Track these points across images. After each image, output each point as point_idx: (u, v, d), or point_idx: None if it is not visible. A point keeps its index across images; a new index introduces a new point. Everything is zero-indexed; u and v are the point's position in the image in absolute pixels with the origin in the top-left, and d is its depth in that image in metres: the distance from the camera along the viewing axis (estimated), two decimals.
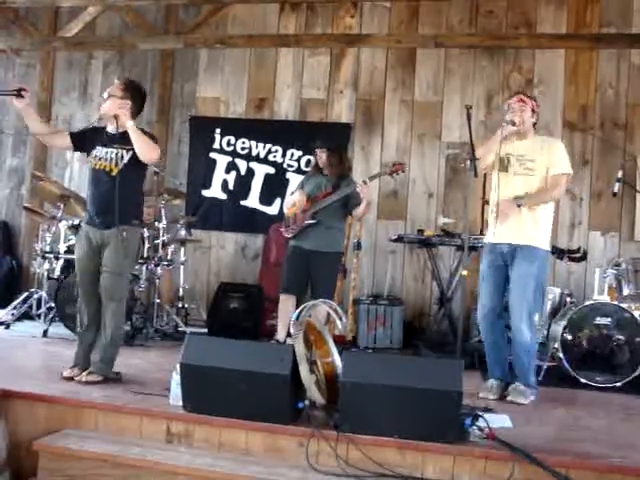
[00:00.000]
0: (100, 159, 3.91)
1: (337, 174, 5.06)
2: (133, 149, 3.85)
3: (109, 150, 3.89)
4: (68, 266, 5.56)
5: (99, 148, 3.93)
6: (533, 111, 4.09)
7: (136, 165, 3.90)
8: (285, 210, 5.19)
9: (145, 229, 5.68)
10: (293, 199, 5.09)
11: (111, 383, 3.82)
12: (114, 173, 3.86)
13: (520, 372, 4.03)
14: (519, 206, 3.92)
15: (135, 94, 3.98)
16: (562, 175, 4.04)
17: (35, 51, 7.65)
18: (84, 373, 3.83)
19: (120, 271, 3.90)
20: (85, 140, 3.99)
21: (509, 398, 3.94)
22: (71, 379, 3.82)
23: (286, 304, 4.91)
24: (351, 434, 3.03)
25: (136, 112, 3.99)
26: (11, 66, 7.77)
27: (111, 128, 3.95)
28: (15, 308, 6.06)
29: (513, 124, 3.95)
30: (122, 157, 3.88)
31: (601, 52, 6.42)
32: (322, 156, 5.07)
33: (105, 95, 3.95)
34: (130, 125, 3.81)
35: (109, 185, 3.84)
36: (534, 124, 4.12)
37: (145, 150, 3.84)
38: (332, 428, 3.08)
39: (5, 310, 6.12)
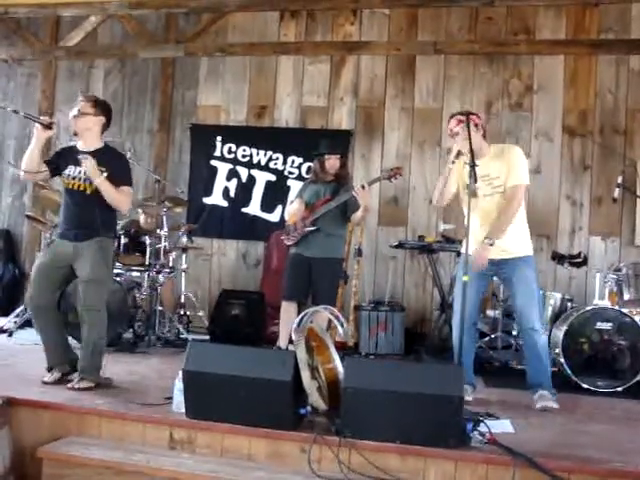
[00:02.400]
0: (74, 178, 3.96)
1: (341, 180, 5.07)
2: (107, 170, 3.89)
3: (82, 169, 3.92)
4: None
5: (71, 167, 3.98)
6: (476, 125, 3.97)
7: (110, 183, 3.93)
8: (286, 219, 5.21)
9: (146, 236, 5.72)
10: (293, 208, 5.10)
11: (113, 390, 3.84)
12: (88, 192, 3.93)
13: (543, 375, 3.98)
14: (492, 245, 3.89)
15: (104, 110, 4.06)
16: (518, 187, 3.96)
17: (37, 60, 7.71)
18: (75, 380, 3.87)
19: (100, 280, 3.93)
20: (59, 162, 4.04)
21: (541, 405, 3.87)
22: (53, 383, 3.86)
23: (288, 311, 4.93)
24: (353, 440, 3.03)
25: (106, 127, 4.09)
26: (13, 75, 7.82)
27: (82, 146, 4.01)
28: (18, 316, 6.08)
29: (458, 155, 3.90)
30: None
31: (600, 58, 6.45)
32: (335, 162, 5.03)
33: (75, 112, 3.97)
34: (99, 182, 3.86)
35: (84, 203, 3.93)
36: (483, 136, 4.04)
37: (114, 203, 3.96)
38: (334, 434, 3.08)
39: (8, 318, 6.14)
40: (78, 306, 3.96)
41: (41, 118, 3.97)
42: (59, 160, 4.04)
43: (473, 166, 3.76)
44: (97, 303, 3.93)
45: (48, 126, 3.87)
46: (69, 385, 3.84)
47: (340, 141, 6.28)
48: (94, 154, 3.93)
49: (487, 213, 4.00)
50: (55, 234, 4.17)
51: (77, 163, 3.93)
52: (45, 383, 3.88)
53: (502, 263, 4.01)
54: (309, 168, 6.56)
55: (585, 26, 6.48)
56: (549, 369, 4.04)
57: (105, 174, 3.89)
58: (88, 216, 3.91)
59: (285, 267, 5.19)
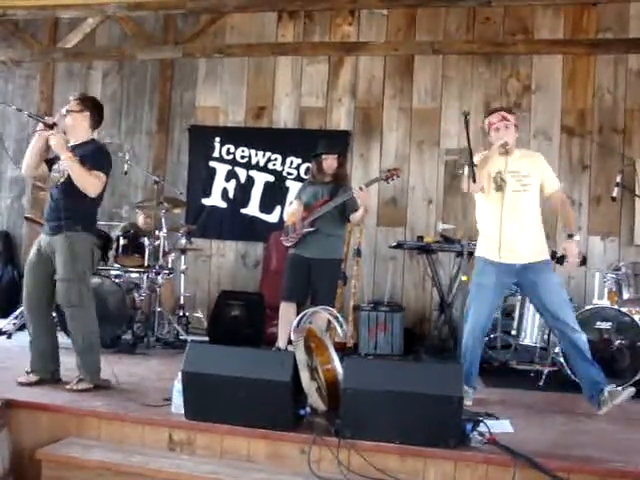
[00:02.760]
0: (56, 172, 3.98)
1: (339, 180, 5.08)
2: (81, 157, 3.85)
3: (62, 163, 3.92)
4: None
5: (59, 162, 3.98)
6: (516, 126, 4.07)
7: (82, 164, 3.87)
8: (285, 220, 5.22)
9: (145, 238, 5.72)
10: (291, 209, 5.11)
11: (112, 392, 3.83)
12: (61, 181, 3.92)
13: (599, 373, 3.89)
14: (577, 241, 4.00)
15: (92, 106, 4.07)
16: (561, 188, 4.13)
17: (35, 62, 7.71)
18: (74, 381, 3.86)
19: (69, 277, 3.85)
20: (54, 161, 4.05)
21: (619, 401, 3.76)
22: (29, 385, 3.85)
23: (287, 311, 4.93)
24: (352, 440, 3.03)
25: (97, 123, 4.11)
26: (11, 77, 7.82)
27: (71, 143, 4.02)
28: (17, 318, 6.07)
29: (506, 146, 3.96)
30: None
31: (598, 57, 6.46)
32: (332, 162, 5.05)
33: (63, 112, 4.01)
34: (66, 157, 3.80)
35: (57, 194, 3.92)
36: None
37: (80, 184, 3.83)
38: (333, 434, 3.08)
39: (7, 320, 6.14)
40: (60, 303, 3.99)
41: (45, 118, 3.99)
42: (54, 159, 4.04)
43: (471, 166, 3.78)
44: (73, 299, 3.87)
45: (51, 126, 3.87)
46: (67, 386, 3.84)
47: (338, 141, 6.27)
48: (77, 147, 3.96)
49: (513, 209, 3.96)
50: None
51: (59, 159, 3.94)
52: (20, 383, 3.87)
53: (524, 269, 3.95)
54: (308, 169, 6.55)
55: (583, 26, 6.49)
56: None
57: (77, 157, 3.84)
58: (57, 208, 3.88)
59: (284, 268, 5.19)
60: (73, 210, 3.87)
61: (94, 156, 3.93)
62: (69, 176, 3.85)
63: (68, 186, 3.87)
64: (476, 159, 3.98)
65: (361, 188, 4.81)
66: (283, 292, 5.06)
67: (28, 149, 4.00)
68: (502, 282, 4.01)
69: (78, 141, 4.01)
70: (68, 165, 3.81)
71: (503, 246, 3.93)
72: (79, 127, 4.02)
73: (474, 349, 3.97)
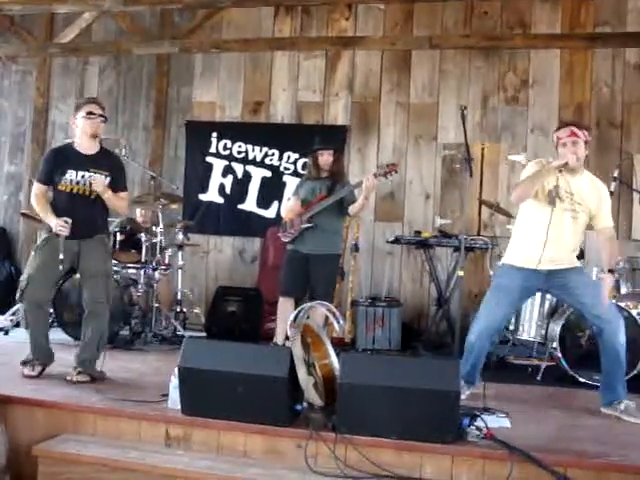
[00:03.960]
0: (78, 183, 4.04)
1: (336, 176, 5.07)
2: (109, 174, 4.09)
3: (85, 174, 4.04)
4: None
5: (71, 172, 4.04)
6: (586, 143, 3.82)
7: (110, 189, 4.11)
8: (283, 216, 5.20)
9: (142, 233, 5.71)
10: (289, 205, 5.11)
11: (108, 387, 3.84)
12: (93, 196, 4.06)
13: (623, 384, 3.78)
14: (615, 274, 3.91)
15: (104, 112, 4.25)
16: (612, 228, 3.95)
17: (31, 58, 7.67)
18: (74, 373, 3.94)
19: (109, 273, 4.20)
20: (53, 174, 4.08)
21: (632, 420, 3.63)
22: (36, 376, 3.97)
23: (285, 307, 4.92)
24: (349, 435, 3.03)
25: None
26: (7, 73, 7.79)
27: (82, 149, 4.10)
28: (14, 314, 6.05)
29: (566, 166, 3.72)
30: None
31: (596, 51, 6.43)
32: (328, 157, 5.04)
33: (99, 117, 4.10)
34: (107, 197, 4.08)
35: (88, 205, 4.06)
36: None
37: (116, 209, 4.26)
38: (330, 430, 3.08)
39: (4, 316, 6.12)
40: (85, 300, 4.10)
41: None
42: (53, 174, 4.08)
43: (468, 160, 3.77)
44: (107, 296, 4.12)
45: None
46: (68, 378, 3.91)
47: (334, 137, 6.26)
48: (95, 157, 4.10)
49: (557, 226, 3.80)
50: (47, 232, 4.15)
51: (78, 167, 4.03)
52: (30, 377, 3.96)
53: (551, 274, 3.84)
54: (305, 164, 6.52)
55: (581, 20, 6.46)
56: None
57: (108, 179, 4.07)
58: (92, 216, 4.10)
59: (282, 263, 5.19)
60: (101, 217, 4.20)
61: (121, 178, 4.23)
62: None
63: (99, 199, 4.08)
64: (532, 165, 3.85)
65: (375, 175, 4.78)
66: (281, 287, 5.05)
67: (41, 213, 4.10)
68: (528, 287, 3.91)
69: (91, 151, 4.13)
70: (106, 198, 4.08)
71: (543, 259, 3.78)
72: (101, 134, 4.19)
73: (482, 348, 3.92)
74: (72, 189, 4.04)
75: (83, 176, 4.04)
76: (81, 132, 4.12)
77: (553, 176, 3.72)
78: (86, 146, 4.10)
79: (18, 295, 4.16)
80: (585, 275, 3.94)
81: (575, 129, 3.79)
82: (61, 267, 3.97)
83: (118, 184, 4.17)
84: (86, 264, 4.07)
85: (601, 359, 3.82)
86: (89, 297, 4.09)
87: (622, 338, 3.76)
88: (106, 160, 4.16)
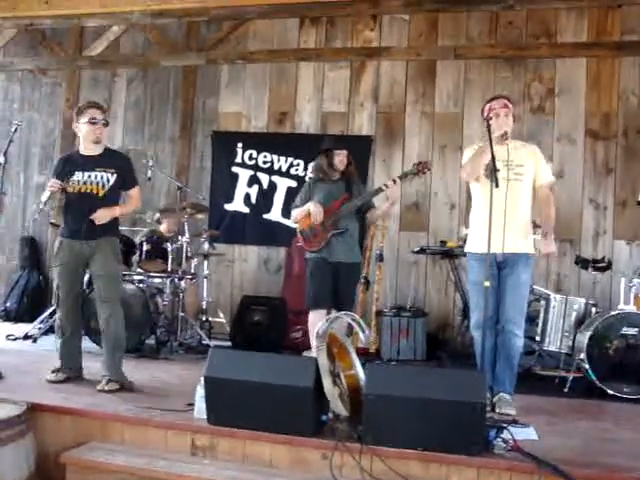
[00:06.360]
0: (85, 183, 4.13)
1: (349, 177, 4.90)
2: (117, 172, 4.16)
3: (92, 174, 4.13)
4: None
5: (78, 173, 4.14)
6: (514, 116, 4.08)
7: (119, 187, 4.23)
8: (295, 224, 4.97)
9: (169, 243, 5.76)
10: (305, 211, 4.80)
11: (135, 396, 3.87)
12: (101, 194, 4.13)
13: (510, 379, 3.95)
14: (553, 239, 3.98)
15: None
16: (551, 183, 4.12)
17: (61, 70, 7.83)
18: (103, 382, 3.98)
19: (116, 274, 4.26)
20: (62, 180, 4.15)
21: (501, 411, 3.76)
22: (57, 382, 4.07)
23: (318, 319, 4.41)
24: (375, 446, 3.03)
25: None
26: (37, 85, 7.94)
27: (88, 151, 4.19)
28: (42, 322, 6.15)
29: (505, 135, 3.97)
30: (108, 180, 4.15)
31: (623, 60, 6.38)
32: (343, 158, 4.84)
33: (102, 122, 4.19)
34: (120, 213, 4.25)
35: (96, 205, 4.11)
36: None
37: (134, 208, 4.44)
38: (356, 440, 3.08)
39: (32, 324, 6.21)
40: (96, 301, 4.18)
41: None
42: (61, 176, 4.17)
43: (494, 171, 3.76)
44: (114, 295, 4.17)
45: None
46: (98, 387, 3.97)
47: (360, 147, 6.23)
48: (101, 158, 4.18)
49: (504, 198, 3.86)
50: (60, 238, 4.25)
51: (84, 169, 4.12)
52: (50, 381, 4.07)
53: (504, 259, 3.93)
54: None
55: (607, 28, 6.41)
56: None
57: (114, 176, 4.15)
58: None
59: (307, 273, 4.90)
60: (113, 218, 4.22)
61: (130, 174, 4.30)
62: (110, 188, 4.15)
63: (110, 198, 4.16)
64: (469, 152, 4.08)
65: (394, 181, 4.71)
66: (310, 300, 4.75)
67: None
68: (494, 273, 3.95)
69: (95, 152, 4.20)
70: (120, 215, 4.26)
71: (493, 236, 3.77)
72: (104, 139, 4.26)
73: (488, 343, 3.90)
74: (80, 189, 4.12)
75: (89, 176, 4.12)
76: (83, 138, 4.20)
77: (489, 153, 3.82)
78: (91, 149, 4.19)
79: (54, 302, 4.31)
80: (523, 275, 3.97)
81: (507, 101, 4.06)
82: (79, 270, 4.15)
83: (127, 181, 4.26)
84: (94, 265, 4.15)
85: (496, 359, 3.95)
86: (97, 297, 4.19)
87: (520, 342, 3.93)
88: (112, 159, 4.23)
